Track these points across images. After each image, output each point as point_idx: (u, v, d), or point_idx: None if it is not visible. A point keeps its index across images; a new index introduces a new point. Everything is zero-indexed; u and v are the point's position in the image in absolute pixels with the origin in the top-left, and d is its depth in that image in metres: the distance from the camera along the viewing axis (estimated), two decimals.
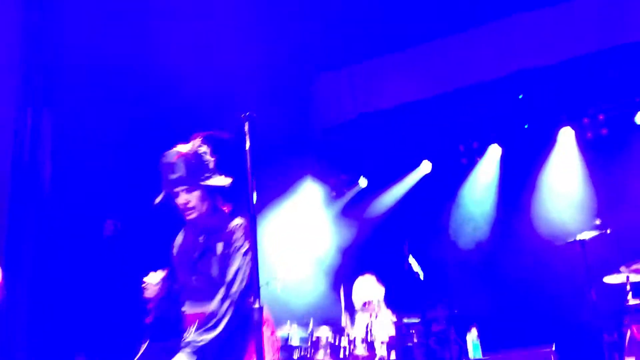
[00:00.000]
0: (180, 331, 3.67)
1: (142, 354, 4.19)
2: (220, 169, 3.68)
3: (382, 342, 6.35)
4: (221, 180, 3.64)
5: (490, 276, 8.06)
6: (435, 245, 8.27)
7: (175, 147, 3.65)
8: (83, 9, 7.02)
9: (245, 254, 3.61)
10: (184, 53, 7.25)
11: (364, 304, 6.79)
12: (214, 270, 3.62)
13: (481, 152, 8.70)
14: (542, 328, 7.22)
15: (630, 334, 5.86)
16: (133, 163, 7.44)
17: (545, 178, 8.25)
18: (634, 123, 7.71)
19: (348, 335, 6.40)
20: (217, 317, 3.34)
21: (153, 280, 3.66)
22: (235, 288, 3.55)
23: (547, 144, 8.27)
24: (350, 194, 9.44)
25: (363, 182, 9.33)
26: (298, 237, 8.66)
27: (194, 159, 3.62)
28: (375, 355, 6.30)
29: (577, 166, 8.10)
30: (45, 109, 7.01)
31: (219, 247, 3.64)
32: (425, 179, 9.02)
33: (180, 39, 7.23)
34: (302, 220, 9.05)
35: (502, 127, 8.43)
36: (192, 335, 3.49)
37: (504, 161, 8.62)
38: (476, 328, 6.89)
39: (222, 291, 3.54)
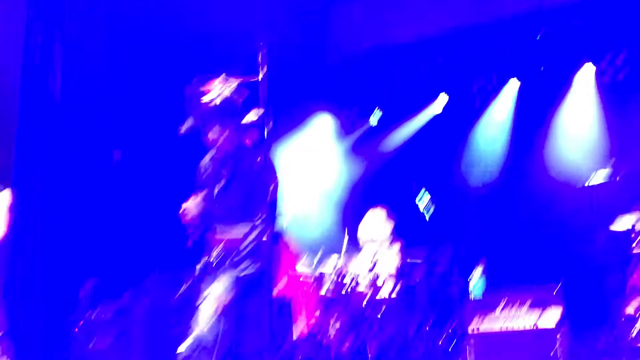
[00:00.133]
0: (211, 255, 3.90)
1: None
2: (247, 106, 3.76)
3: (385, 280, 6.43)
4: (249, 117, 3.75)
5: (498, 216, 8.08)
6: (445, 184, 8.28)
7: (204, 82, 3.76)
8: None
9: (273, 190, 3.81)
10: None
11: (371, 240, 6.83)
12: (240, 201, 3.81)
13: (496, 90, 8.58)
14: (547, 270, 7.28)
15: (632, 280, 5.92)
16: (145, 88, 7.43)
17: (560, 120, 8.15)
18: None
19: (352, 273, 6.48)
20: (251, 247, 3.51)
21: (192, 205, 3.81)
22: (265, 218, 3.74)
23: (563, 86, 8.13)
24: (362, 129, 9.38)
25: (374, 120, 9.24)
26: (308, 170, 8.66)
27: (224, 95, 3.75)
28: (378, 292, 6.38)
29: (593, 109, 7.98)
30: (56, 31, 6.93)
31: (245, 179, 3.79)
32: (438, 116, 8.93)
33: None
34: (312, 154, 9.04)
35: (519, 67, 8.28)
36: (227, 264, 3.76)
37: (519, 100, 8.51)
38: (481, 268, 6.96)
39: (256, 220, 3.75)
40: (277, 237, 3.98)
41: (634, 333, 5.57)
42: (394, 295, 6.38)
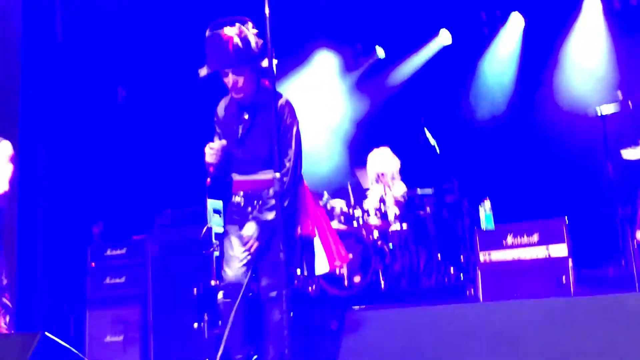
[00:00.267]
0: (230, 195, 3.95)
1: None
2: (265, 50, 3.71)
3: (395, 214, 6.45)
4: (267, 62, 3.67)
5: (506, 149, 8.04)
6: (451, 118, 8.22)
7: (223, 27, 3.70)
8: None
9: (297, 132, 3.84)
10: None
11: (378, 176, 6.85)
12: (262, 146, 3.78)
13: (504, 20, 8.44)
14: (557, 201, 7.30)
15: None
16: (153, 29, 7.33)
17: (568, 49, 8.03)
18: None
19: (362, 206, 6.49)
20: (280, 195, 3.40)
21: (215, 145, 3.80)
22: (293, 165, 3.79)
23: (571, 13, 7.99)
24: (366, 65, 9.27)
25: (381, 53, 9.13)
26: (312, 107, 8.58)
27: (243, 41, 3.70)
28: (389, 224, 6.42)
29: (602, 38, 7.85)
30: None
31: (266, 124, 3.75)
32: (444, 49, 8.80)
33: None
34: (316, 91, 8.96)
35: None
36: (256, 212, 3.81)
37: (527, 31, 8.37)
38: (490, 200, 6.96)
39: (285, 167, 3.76)
40: (301, 178, 3.93)
41: None
42: (404, 227, 6.41)
